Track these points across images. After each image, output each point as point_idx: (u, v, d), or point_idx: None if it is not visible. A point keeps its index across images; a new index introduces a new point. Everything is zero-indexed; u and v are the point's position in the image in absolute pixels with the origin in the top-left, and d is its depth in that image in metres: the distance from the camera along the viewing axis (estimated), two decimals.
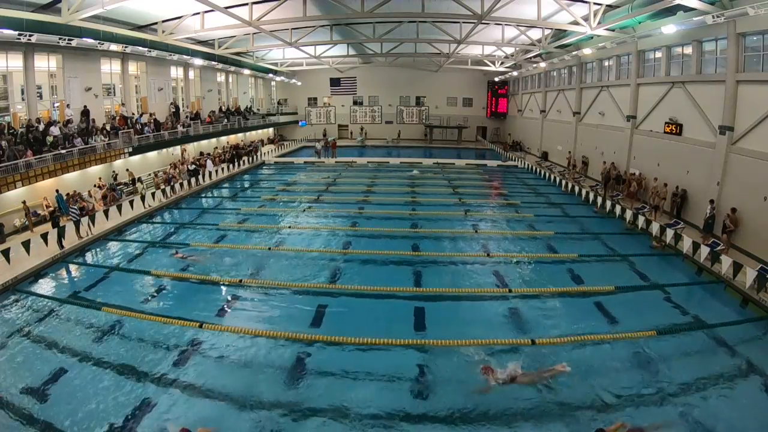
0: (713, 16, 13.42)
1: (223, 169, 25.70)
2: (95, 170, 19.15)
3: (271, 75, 39.99)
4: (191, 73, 30.00)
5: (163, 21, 21.15)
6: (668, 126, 17.57)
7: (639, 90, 20.08)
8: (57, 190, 16.40)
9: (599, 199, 18.39)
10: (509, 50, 30.59)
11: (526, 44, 25.78)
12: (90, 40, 18.11)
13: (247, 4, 18.47)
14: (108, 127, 20.56)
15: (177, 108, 27.58)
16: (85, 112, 20.06)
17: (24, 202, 14.92)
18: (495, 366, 7.56)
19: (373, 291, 10.76)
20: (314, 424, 6.57)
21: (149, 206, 18.13)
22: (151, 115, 24.45)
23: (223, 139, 31.80)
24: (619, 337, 8.72)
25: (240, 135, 34.41)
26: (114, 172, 20.37)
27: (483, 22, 19.85)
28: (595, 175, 23.69)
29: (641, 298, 10.71)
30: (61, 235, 13.34)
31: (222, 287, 11.18)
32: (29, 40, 15.73)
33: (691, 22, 14.52)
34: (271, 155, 33.62)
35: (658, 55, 18.51)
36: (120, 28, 20.23)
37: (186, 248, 13.80)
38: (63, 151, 16.97)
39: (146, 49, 21.85)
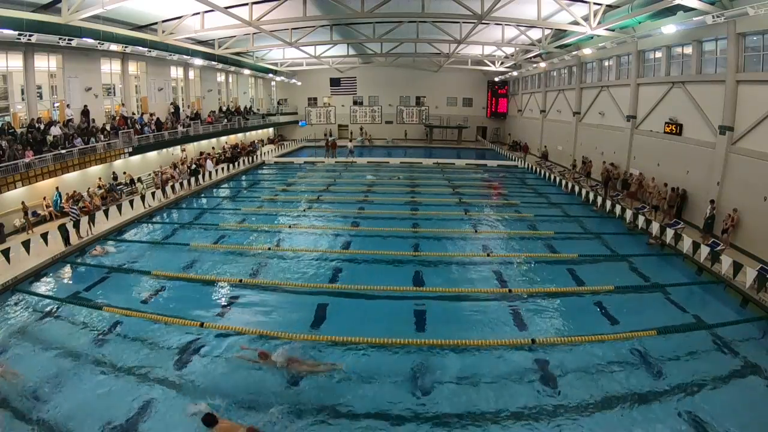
0: (713, 16, 13.42)
1: (223, 169, 25.69)
2: (95, 170, 19.16)
3: (271, 75, 39.99)
4: (191, 73, 30.01)
5: (163, 21, 21.16)
6: (668, 126, 17.57)
7: (639, 90, 20.09)
8: (57, 188, 16.51)
9: (599, 199, 18.40)
10: (509, 50, 30.61)
11: (526, 44, 25.80)
12: (90, 40, 18.11)
13: (247, 4, 18.48)
14: (108, 127, 20.57)
15: (177, 108, 27.58)
16: (85, 112, 20.06)
17: (23, 203, 14.91)
18: (270, 351, 7.88)
19: (373, 291, 10.75)
20: (314, 423, 6.57)
21: (149, 206, 18.13)
22: (152, 115, 24.45)
23: (223, 138, 31.82)
24: (619, 336, 8.72)
25: (240, 135, 34.43)
26: (114, 173, 20.40)
27: (483, 22, 19.87)
28: (595, 175, 23.71)
29: (641, 298, 10.71)
30: (65, 235, 13.35)
31: (222, 287, 11.17)
32: (29, 40, 15.72)
33: (691, 22, 14.53)
34: (271, 155, 33.61)
35: (658, 55, 18.51)
36: (120, 28, 20.25)
37: (103, 243, 14.25)
38: (63, 151, 16.98)
39: (146, 49, 21.85)
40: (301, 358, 7.88)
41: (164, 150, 24.76)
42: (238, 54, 30.80)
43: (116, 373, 7.62)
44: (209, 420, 5.93)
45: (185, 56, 25.86)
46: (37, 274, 11.89)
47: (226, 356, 8.12)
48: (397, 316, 9.71)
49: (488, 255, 13.38)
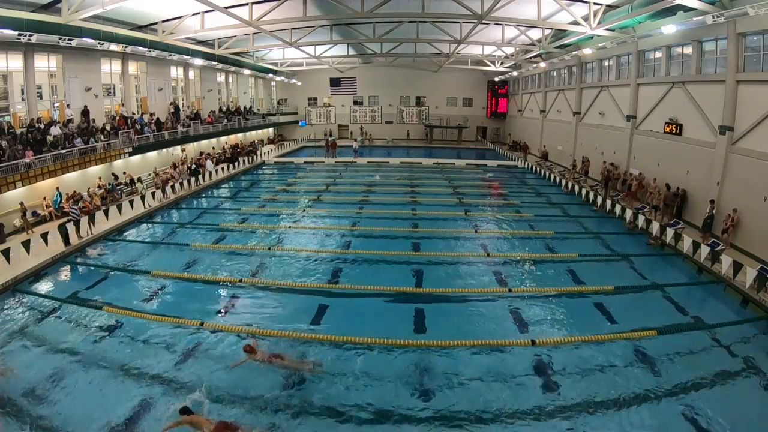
0: (713, 16, 13.42)
1: (223, 169, 25.69)
2: (95, 170, 19.15)
3: (271, 75, 40.00)
4: (191, 73, 30.01)
5: (163, 21, 21.16)
6: (668, 126, 17.57)
7: (639, 90, 20.09)
8: (57, 188, 16.56)
9: (599, 199, 18.41)
10: (509, 50, 30.60)
11: (526, 44, 25.79)
12: (90, 40, 18.12)
13: (247, 4, 18.48)
14: (108, 127, 20.57)
15: (177, 108, 27.58)
16: (85, 112, 20.06)
17: (22, 203, 14.89)
18: (257, 347, 7.92)
19: (373, 291, 10.76)
20: (313, 424, 6.57)
21: (149, 206, 18.13)
22: (152, 115, 24.45)
23: (223, 138, 31.82)
24: (619, 336, 8.73)
25: (240, 135, 34.43)
26: (114, 173, 20.39)
27: (483, 22, 19.87)
28: (594, 174, 23.72)
29: (641, 298, 10.71)
30: (65, 235, 13.35)
31: (222, 287, 11.18)
32: (29, 40, 15.72)
33: (691, 22, 14.53)
34: (271, 155, 33.61)
35: (658, 55, 18.51)
36: (120, 28, 20.25)
37: (100, 244, 14.21)
38: (63, 151, 16.98)
39: (146, 49, 21.86)
40: (284, 354, 7.93)
41: (164, 150, 24.76)
42: (238, 54, 30.79)
43: (116, 373, 7.62)
44: (184, 411, 6.32)
45: (185, 56, 25.87)
46: (37, 274, 11.89)
47: (225, 356, 8.12)
48: (397, 316, 9.71)
49: (488, 255, 13.38)
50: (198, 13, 20.18)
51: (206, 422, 6.14)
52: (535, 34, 24.76)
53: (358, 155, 32.59)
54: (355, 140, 37.04)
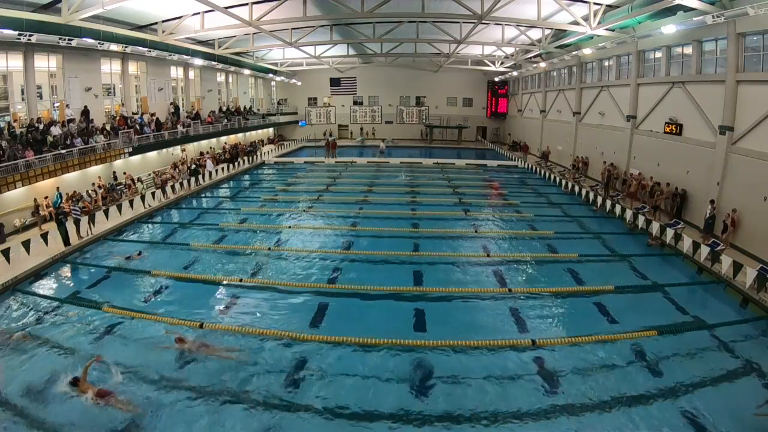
0: (713, 16, 13.43)
1: (223, 169, 25.69)
2: (95, 170, 19.14)
3: (271, 75, 39.99)
4: (191, 73, 30.00)
5: (163, 21, 21.18)
6: (668, 126, 17.57)
7: (639, 90, 20.09)
8: (57, 188, 16.57)
9: (599, 199, 18.40)
10: (509, 50, 30.61)
11: (526, 44, 25.80)
12: (90, 40, 18.12)
13: (247, 4, 18.49)
14: (108, 127, 20.57)
15: (177, 108, 27.58)
16: (85, 112, 20.05)
17: (35, 200, 15.05)
18: (187, 338, 8.54)
19: (372, 291, 10.76)
20: (312, 424, 6.57)
21: (149, 206, 18.13)
22: (152, 115, 24.45)
23: (223, 138, 31.82)
24: (619, 336, 8.72)
25: (240, 135, 34.44)
26: (114, 173, 20.39)
27: (483, 22, 19.87)
28: (593, 174, 23.70)
29: (641, 298, 10.71)
30: (65, 235, 13.34)
31: (222, 287, 11.18)
32: (29, 40, 15.72)
33: (691, 22, 14.53)
34: (271, 155, 33.61)
35: (658, 55, 18.51)
36: (120, 28, 20.25)
37: (142, 246, 14.01)
38: (63, 151, 16.97)
39: (146, 49, 21.85)
40: (212, 344, 8.37)
41: (164, 150, 24.75)
42: (238, 54, 30.79)
43: (115, 373, 7.60)
44: (74, 382, 7.04)
45: (185, 56, 25.86)
46: (37, 274, 11.88)
47: (220, 355, 8.13)
48: (397, 316, 9.70)
49: (488, 255, 13.38)
50: (198, 13, 20.19)
51: (91, 388, 6.97)
52: (535, 34, 24.76)
53: (385, 156, 32.94)
54: (383, 141, 37.53)
